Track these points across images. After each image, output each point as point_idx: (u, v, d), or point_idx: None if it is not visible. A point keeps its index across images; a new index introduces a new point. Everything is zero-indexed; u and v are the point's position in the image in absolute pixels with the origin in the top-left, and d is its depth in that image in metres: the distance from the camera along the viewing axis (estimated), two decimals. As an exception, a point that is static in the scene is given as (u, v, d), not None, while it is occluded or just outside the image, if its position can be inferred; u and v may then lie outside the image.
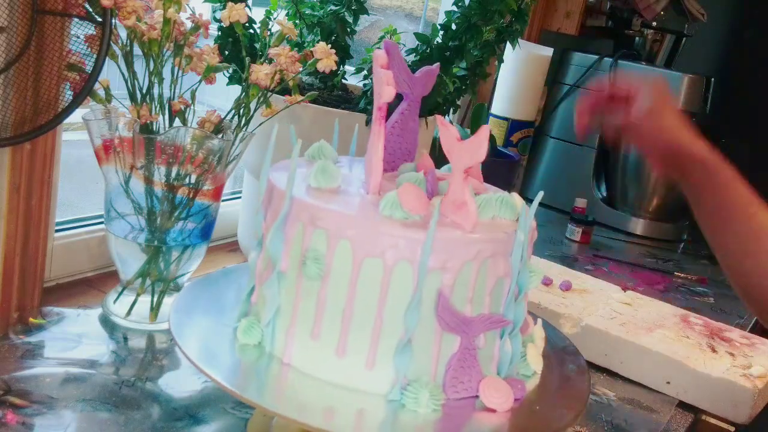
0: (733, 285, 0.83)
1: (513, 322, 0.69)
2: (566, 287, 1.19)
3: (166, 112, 0.90)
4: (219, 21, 0.97)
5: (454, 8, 1.12)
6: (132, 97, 0.88)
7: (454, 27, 1.12)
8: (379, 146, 0.69)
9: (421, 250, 0.62)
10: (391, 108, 0.71)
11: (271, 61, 0.91)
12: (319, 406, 0.64)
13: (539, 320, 0.77)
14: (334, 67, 0.93)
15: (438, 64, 0.78)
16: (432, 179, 0.71)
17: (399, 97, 0.73)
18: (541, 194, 0.68)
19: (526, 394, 0.69)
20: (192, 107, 0.91)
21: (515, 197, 0.70)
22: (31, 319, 0.91)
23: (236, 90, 0.94)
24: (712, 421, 1.02)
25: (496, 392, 0.66)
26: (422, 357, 0.65)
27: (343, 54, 1.11)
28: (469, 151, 0.65)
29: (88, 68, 0.84)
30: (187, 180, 0.89)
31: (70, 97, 0.84)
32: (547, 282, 1.20)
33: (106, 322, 0.94)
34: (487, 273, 0.65)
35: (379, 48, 1.10)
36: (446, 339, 0.65)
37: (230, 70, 1.00)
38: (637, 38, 2.06)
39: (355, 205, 0.68)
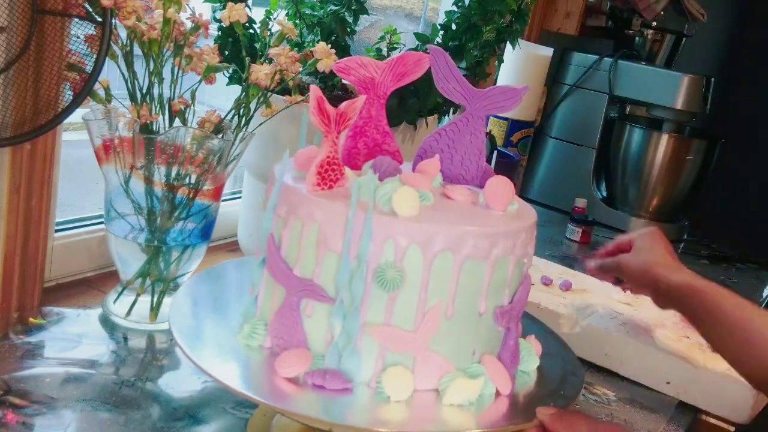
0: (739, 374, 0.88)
1: (335, 299, 0.64)
2: (566, 287, 1.19)
3: (166, 112, 0.90)
4: (219, 21, 0.97)
5: (454, 8, 1.12)
6: (132, 97, 0.88)
7: (454, 27, 1.12)
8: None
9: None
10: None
11: (271, 61, 0.91)
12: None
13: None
14: (334, 67, 0.93)
15: (526, 86, 0.76)
16: (387, 164, 0.71)
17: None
18: None
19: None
20: (192, 107, 0.91)
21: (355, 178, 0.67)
22: (31, 319, 0.91)
23: (236, 90, 0.94)
24: (712, 421, 1.02)
25: (291, 359, 0.65)
26: (265, 293, 0.70)
27: (343, 54, 1.11)
28: None
29: (88, 68, 0.84)
30: (187, 180, 0.89)
31: (70, 97, 0.84)
32: (547, 282, 1.20)
33: (106, 322, 0.94)
34: (318, 238, 0.64)
35: (379, 48, 1.11)
36: (278, 287, 0.68)
37: (230, 70, 1.00)
38: (637, 38, 2.06)
39: None
